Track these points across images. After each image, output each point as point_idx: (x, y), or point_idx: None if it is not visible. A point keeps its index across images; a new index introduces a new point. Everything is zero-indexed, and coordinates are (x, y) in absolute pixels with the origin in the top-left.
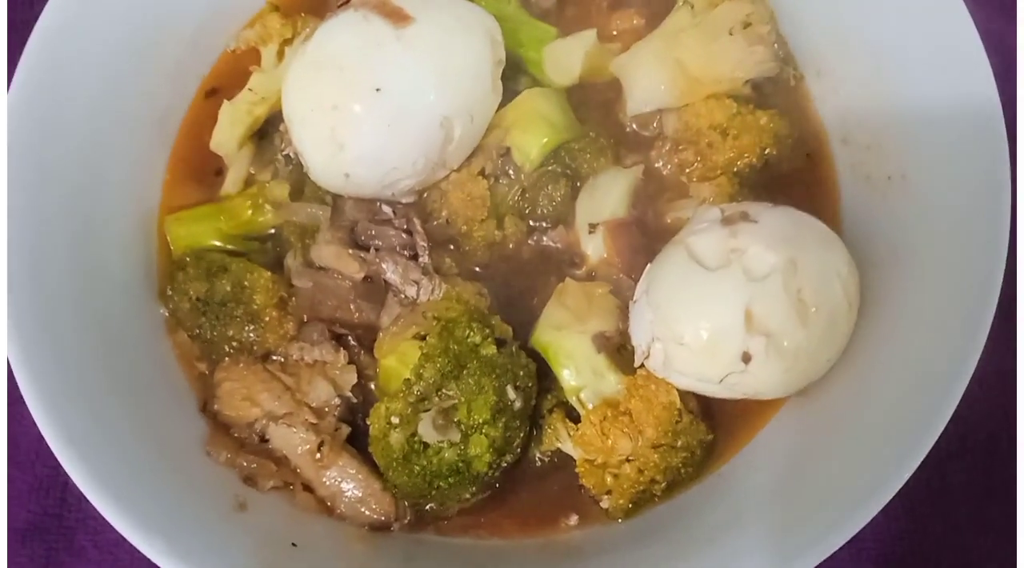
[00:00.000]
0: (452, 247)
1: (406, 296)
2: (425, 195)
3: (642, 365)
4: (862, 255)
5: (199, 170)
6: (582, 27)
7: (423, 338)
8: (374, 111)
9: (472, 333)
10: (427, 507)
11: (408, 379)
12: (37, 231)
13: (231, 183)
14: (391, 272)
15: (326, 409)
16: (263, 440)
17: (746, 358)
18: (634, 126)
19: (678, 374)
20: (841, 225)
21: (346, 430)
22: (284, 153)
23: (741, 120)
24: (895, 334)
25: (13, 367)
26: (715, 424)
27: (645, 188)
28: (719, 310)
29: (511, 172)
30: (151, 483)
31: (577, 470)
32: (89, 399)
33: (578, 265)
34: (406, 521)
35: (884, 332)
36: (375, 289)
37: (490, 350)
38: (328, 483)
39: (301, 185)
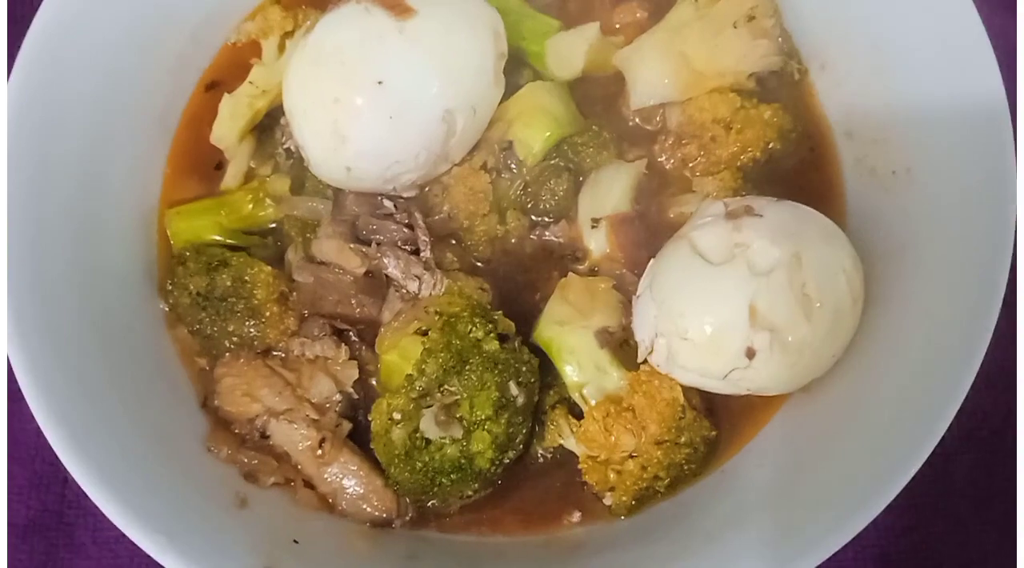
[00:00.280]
0: (454, 242)
1: (408, 291)
2: (427, 189)
3: (645, 361)
4: (866, 250)
5: (200, 164)
6: (585, 20)
7: (425, 333)
8: (376, 104)
9: (474, 328)
10: (429, 504)
11: (410, 375)
12: (37, 225)
13: (232, 177)
14: (393, 267)
15: (327, 405)
16: (264, 436)
17: (750, 353)
18: (637, 120)
19: (681, 369)
20: (845, 220)
21: (347, 426)
22: (285, 147)
23: (745, 114)
24: (900, 329)
25: (12, 363)
26: (718, 420)
27: (648, 182)
28: (723, 305)
29: (513, 166)
30: (151, 479)
31: (580, 466)
32: (89, 395)
33: (581, 260)
34: (408, 518)
35: (889, 327)
36: (376, 284)
37: (492, 345)
38: (329, 480)
39: (302, 179)
